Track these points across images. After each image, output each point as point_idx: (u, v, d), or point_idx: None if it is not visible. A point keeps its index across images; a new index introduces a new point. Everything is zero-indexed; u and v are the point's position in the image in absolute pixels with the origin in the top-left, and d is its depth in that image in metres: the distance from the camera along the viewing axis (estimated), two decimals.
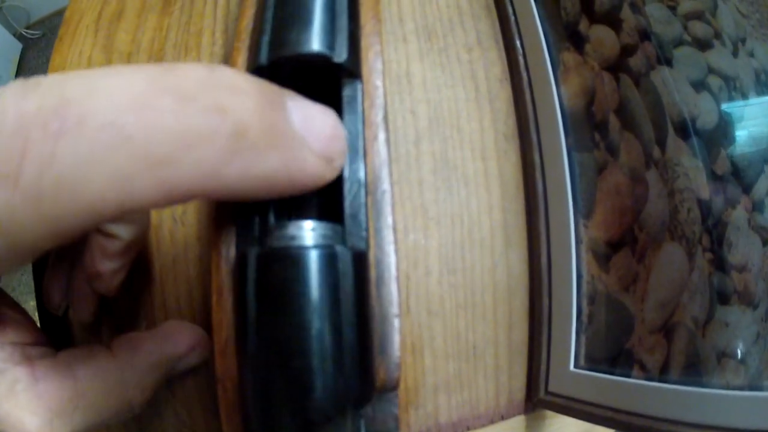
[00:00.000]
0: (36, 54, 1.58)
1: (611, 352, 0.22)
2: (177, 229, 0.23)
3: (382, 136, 0.13)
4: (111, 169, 0.09)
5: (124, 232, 0.17)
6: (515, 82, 0.27)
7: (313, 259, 0.11)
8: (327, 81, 0.14)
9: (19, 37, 1.57)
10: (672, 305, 0.20)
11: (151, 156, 0.09)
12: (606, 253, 0.23)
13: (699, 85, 0.19)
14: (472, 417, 0.24)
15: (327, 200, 0.13)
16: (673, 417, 0.18)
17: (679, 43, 0.20)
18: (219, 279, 0.13)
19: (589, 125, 0.24)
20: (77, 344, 0.22)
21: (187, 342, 0.19)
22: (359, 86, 0.14)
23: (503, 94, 0.27)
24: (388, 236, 0.12)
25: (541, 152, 0.26)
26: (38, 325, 0.17)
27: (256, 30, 0.14)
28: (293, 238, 0.11)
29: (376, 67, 0.14)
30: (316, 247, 0.11)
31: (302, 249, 0.11)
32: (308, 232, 0.11)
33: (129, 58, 0.25)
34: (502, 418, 0.25)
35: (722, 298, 0.18)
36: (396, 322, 0.12)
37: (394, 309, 0.12)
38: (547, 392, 0.24)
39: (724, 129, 0.19)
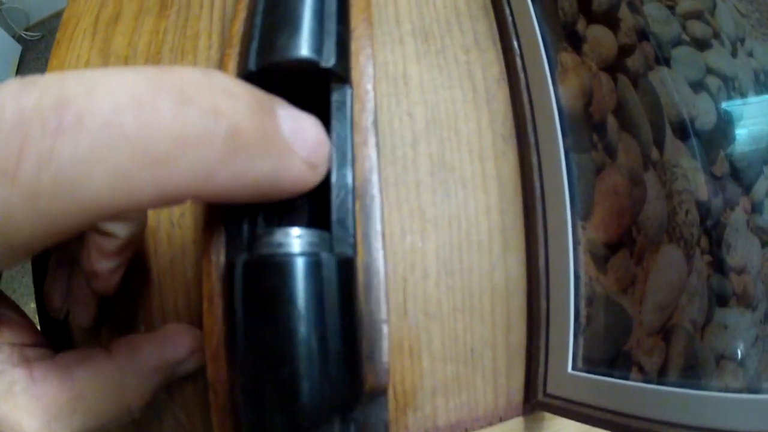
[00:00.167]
0: (35, 56, 1.58)
1: (609, 354, 0.22)
2: (174, 232, 0.23)
3: (371, 140, 0.13)
4: (109, 168, 0.09)
5: (121, 230, 0.17)
6: (513, 83, 0.27)
7: (299, 266, 0.11)
8: (318, 85, 0.14)
9: (19, 39, 1.58)
10: (670, 307, 0.19)
11: (149, 155, 0.09)
12: (604, 254, 0.23)
13: (697, 86, 0.19)
14: (471, 419, 0.24)
15: (318, 206, 0.13)
16: (672, 419, 0.18)
17: (678, 43, 0.20)
18: (209, 285, 0.13)
19: (587, 126, 0.24)
20: (76, 347, 0.22)
21: (186, 346, 0.18)
22: (349, 91, 0.14)
23: (501, 95, 0.27)
24: (377, 242, 0.12)
25: (538, 153, 0.25)
26: (38, 327, 0.18)
27: (246, 35, 0.14)
28: (280, 245, 0.11)
29: (367, 71, 0.14)
30: (302, 254, 0.11)
31: (288, 256, 0.11)
32: (295, 239, 0.11)
33: (126, 62, 0.25)
34: (501, 420, 0.25)
35: (721, 300, 0.18)
36: (384, 328, 0.12)
37: (383, 315, 0.12)
38: (545, 394, 0.24)
39: (722, 130, 0.19)
